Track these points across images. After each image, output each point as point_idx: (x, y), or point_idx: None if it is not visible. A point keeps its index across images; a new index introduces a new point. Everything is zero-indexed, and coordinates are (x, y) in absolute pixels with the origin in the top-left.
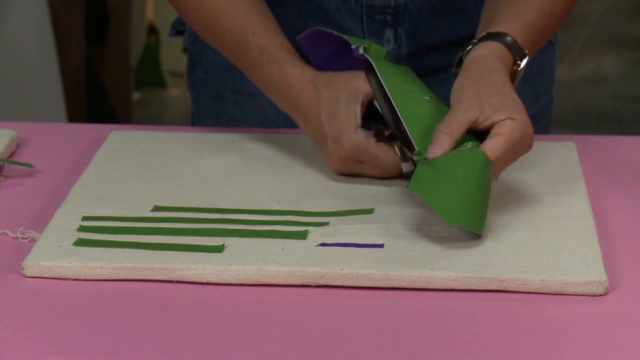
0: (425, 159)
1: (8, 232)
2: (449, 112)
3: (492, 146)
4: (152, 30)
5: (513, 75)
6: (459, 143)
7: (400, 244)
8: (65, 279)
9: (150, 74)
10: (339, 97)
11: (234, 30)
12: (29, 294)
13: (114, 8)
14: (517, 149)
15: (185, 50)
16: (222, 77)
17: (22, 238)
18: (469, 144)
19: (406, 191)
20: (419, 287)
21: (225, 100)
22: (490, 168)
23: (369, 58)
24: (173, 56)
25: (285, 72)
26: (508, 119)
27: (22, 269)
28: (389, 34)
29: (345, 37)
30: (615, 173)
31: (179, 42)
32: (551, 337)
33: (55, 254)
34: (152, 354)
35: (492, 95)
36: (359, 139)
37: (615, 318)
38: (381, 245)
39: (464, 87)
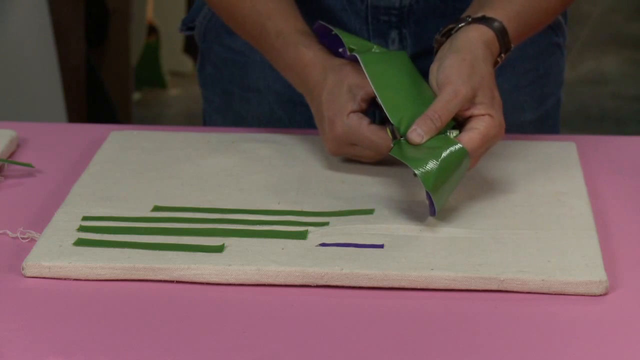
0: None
1: (8, 232)
2: (442, 96)
3: (468, 139)
4: (152, 30)
5: (494, 65)
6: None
7: (400, 244)
8: (65, 279)
9: (150, 74)
10: (343, 82)
11: (253, 16)
12: (29, 294)
13: (114, 8)
14: (489, 145)
15: (185, 50)
16: (229, 73)
17: (22, 238)
18: (447, 132)
19: (406, 191)
20: (419, 287)
21: (233, 97)
22: (467, 161)
23: (356, 55)
24: (173, 56)
25: (300, 54)
26: (487, 115)
27: (22, 269)
28: (393, 35)
29: (341, 36)
30: (615, 173)
31: (179, 42)
32: (551, 337)
33: (55, 254)
34: (152, 354)
35: (480, 88)
36: (351, 122)
37: (615, 318)
38: (381, 246)
39: (460, 71)
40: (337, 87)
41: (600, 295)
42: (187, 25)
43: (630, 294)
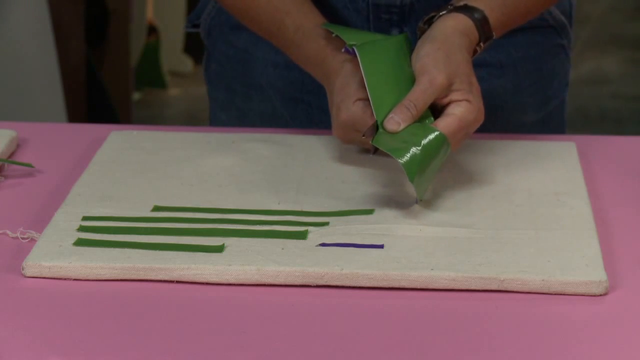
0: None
1: (8, 232)
2: (418, 85)
3: (446, 124)
4: (152, 30)
5: (473, 52)
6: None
7: (400, 244)
8: (65, 279)
9: (150, 74)
10: (357, 72)
11: (269, 12)
12: (29, 294)
13: (114, 8)
14: (467, 130)
15: (185, 50)
16: (233, 70)
17: (22, 238)
18: (426, 120)
19: (406, 191)
20: (419, 287)
21: (236, 93)
22: (446, 147)
23: (354, 48)
24: (173, 56)
25: (320, 46)
26: (465, 100)
27: (22, 269)
28: (395, 33)
29: (342, 36)
30: (615, 173)
31: (179, 42)
32: (551, 337)
33: (55, 254)
34: (152, 354)
35: (457, 75)
36: (356, 109)
37: (615, 318)
38: (381, 246)
39: (436, 60)
40: (351, 75)
41: (600, 295)
42: (193, 22)
43: (630, 294)
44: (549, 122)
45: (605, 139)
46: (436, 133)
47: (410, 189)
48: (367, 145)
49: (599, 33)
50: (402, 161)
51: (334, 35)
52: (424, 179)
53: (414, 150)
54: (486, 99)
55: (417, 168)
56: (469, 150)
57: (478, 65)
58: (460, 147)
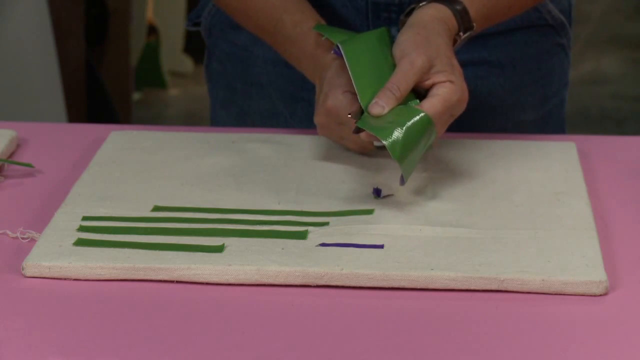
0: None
1: (8, 232)
2: (400, 68)
3: (431, 105)
4: (152, 30)
5: (453, 42)
6: (403, 101)
7: (400, 244)
8: (65, 279)
9: (150, 74)
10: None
11: (267, 9)
12: (29, 294)
13: (114, 8)
14: (452, 111)
15: (185, 50)
16: (233, 68)
17: (22, 238)
18: (410, 103)
19: (406, 191)
20: (419, 287)
21: (236, 91)
22: (431, 128)
23: (339, 44)
24: (173, 56)
25: (318, 42)
26: (448, 81)
27: (22, 269)
28: (394, 31)
29: (330, 37)
30: (615, 173)
31: (179, 42)
32: (551, 337)
33: (55, 254)
34: (152, 354)
35: (437, 57)
36: (344, 98)
37: (615, 318)
38: (381, 246)
39: (415, 43)
40: (342, 70)
41: (600, 295)
42: (194, 21)
43: (630, 294)
44: (548, 121)
45: (605, 139)
46: (421, 114)
47: (411, 189)
48: (344, 141)
49: (599, 33)
50: (386, 141)
51: (324, 38)
52: (410, 160)
53: (397, 130)
54: (485, 97)
55: (400, 147)
56: (469, 150)
57: (477, 63)
58: (461, 148)
